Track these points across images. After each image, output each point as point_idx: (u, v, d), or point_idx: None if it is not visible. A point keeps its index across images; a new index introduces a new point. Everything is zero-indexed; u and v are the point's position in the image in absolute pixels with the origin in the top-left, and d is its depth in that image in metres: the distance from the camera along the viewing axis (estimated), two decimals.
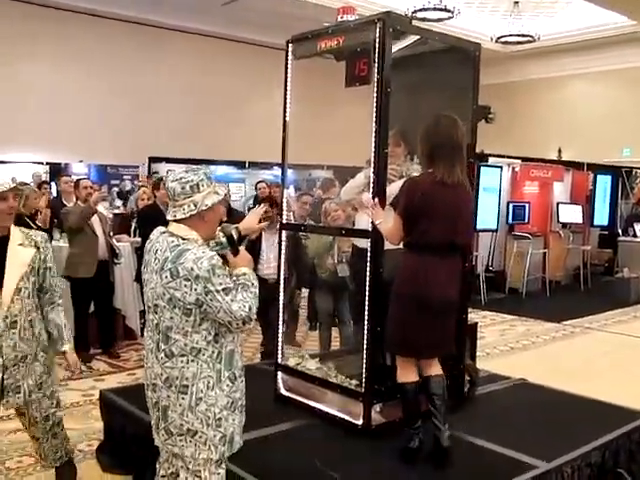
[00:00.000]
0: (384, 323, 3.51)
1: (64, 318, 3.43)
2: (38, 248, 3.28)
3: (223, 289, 2.44)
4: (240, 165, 14.10)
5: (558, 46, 15.41)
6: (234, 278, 2.57)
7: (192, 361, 2.50)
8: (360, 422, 3.68)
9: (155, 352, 2.56)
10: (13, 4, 12.69)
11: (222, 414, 2.55)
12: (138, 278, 6.23)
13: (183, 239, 2.52)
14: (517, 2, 13.56)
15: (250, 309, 2.49)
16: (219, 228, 2.81)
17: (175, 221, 2.60)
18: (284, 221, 4.30)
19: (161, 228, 2.66)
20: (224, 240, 2.83)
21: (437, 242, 3.28)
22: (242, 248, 2.77)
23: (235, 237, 2.83)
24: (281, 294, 4.26)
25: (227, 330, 2.54)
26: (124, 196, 12.38)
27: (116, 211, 10.92)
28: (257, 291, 2.59)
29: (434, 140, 3.33)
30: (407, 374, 3.45)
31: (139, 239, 6.14)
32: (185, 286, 2.43)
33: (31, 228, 6.43)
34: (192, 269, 2.41)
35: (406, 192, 3.34)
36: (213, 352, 2.53)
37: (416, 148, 3.70)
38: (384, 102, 3.55)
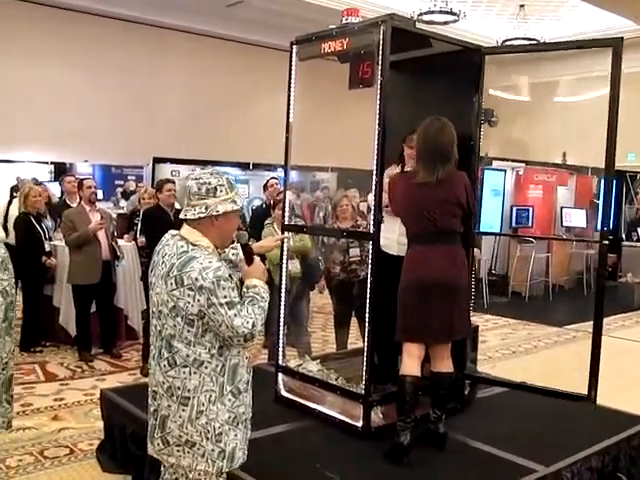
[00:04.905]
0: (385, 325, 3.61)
1: None
2: None
3: (227, 303, 2.36)
4: (244, 166, 14.10)
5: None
6: (244, 290, 2.50)
7: (194, 373, 2.43)
8: (360, 424, 3.68)
9: (157, 359, 2.50)
10: (18, 4, 12.72)
11: (223, 429, 2.47)
12: (143, 277, 6.25)
13: (193, 245, 2.44)
14: (523, 5, 13.54)
15: (254, 326, 2.40)
16: (235, 234, 2.72)
17: (188, 222, 2.51)
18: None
19: (173, 232, 2.57)
20: (233, 258, 2.75)
21: (424, 233, 3.55)
22: (257, 259, 2.69)
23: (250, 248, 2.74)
24: (283, 295, 4.26)
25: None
26: (128, 196, 12.40)
27: (120, 211, 10.95)
28: (266, 305, 2.51)
29: (421, 144, 3.60)
30: (410, 367, 3.52)
31: (143, 239, 6.17)
32: (188, 296, 2.36)
33: (34, 228, 6.50)
34: (197, 279, 2.34)
35: (391, 188, 3.72)
36: (217, 365, 2.45)
37: None
38: (386, 104, 3.55)
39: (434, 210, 3.51)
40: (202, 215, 2.46)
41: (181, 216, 2.55)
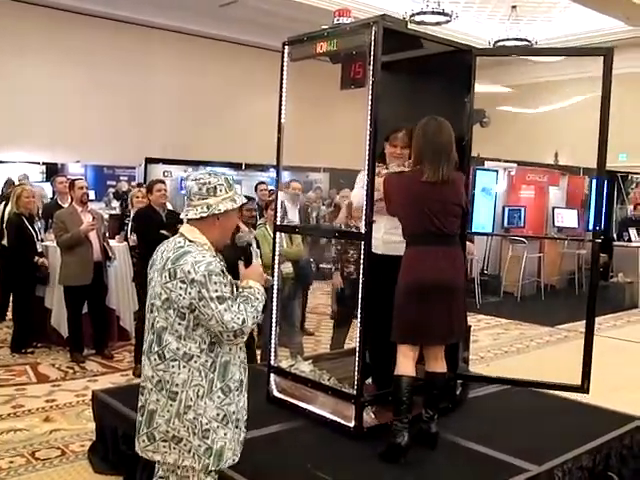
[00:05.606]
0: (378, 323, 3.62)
1: None
2: None
3: (217, 297, 2.38)
4: (236, 167, 14.09)
5: None
6: (239, 290, 2.54)
7: (184, 367, 2.44)
8: (352, 424, 3.68)
9: (148, 353, 2.53)
10: (12, 4, 12.68)
11: (210, 425, 2.46)
12: (135, 278, 6.23)
13: (190, 241, 2.49)
14: (515, 6, 13.60)
15: (244, 322, 2.42)
16: (238, 236, 2.73)
17: (189, 222, 2.56)
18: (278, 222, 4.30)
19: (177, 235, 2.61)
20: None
21: (424, 233, 3.51)
22: (255, 262, 2.71)
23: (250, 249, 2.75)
24: (275, 295, 4.25)
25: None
26: (120, 197, 12.36)
27: (112, 212, 10.91)
28: (260, 306, 2.53)
29: (420, 143, 3.56)
30: (405, 367, 3.51)
31: (134, 237, 6.16)
32: (180, 288, 2.40)
33: (26, 229, 6.48)
34: (189, 272, 2.38)
35: (385, 188, 3.64)
36: (207, 361, 2.47)
37: None
38: (378, 105, 3.56)
39: (437, 210, 3.49)
40: (204, 214, 2.51)
41: (182, 216, 2.59)
